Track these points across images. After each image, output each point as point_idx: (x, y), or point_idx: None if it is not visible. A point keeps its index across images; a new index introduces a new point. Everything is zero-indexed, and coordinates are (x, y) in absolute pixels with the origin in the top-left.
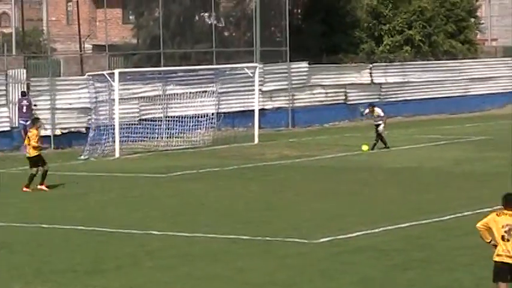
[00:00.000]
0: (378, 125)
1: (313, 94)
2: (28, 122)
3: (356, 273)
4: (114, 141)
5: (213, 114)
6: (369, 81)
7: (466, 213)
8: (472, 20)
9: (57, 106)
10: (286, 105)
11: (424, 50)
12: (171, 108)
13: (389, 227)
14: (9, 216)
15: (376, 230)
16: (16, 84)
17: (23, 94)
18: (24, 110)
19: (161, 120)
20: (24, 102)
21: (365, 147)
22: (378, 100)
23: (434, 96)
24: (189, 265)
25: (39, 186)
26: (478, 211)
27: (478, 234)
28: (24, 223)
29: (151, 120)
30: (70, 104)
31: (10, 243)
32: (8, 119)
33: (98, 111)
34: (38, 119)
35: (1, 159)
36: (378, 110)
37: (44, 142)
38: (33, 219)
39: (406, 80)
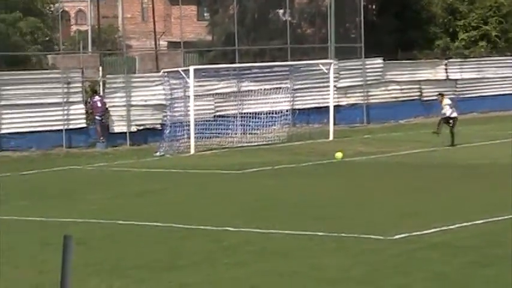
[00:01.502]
0: (445, 117)
1: (388, 90)
2: (103, 118)
3: (431, 270)
4: (190, 138)
5: (287, 110)
6: (444, 77)
7: None
8: None
9: (133, 103)
10: (361, 102)
11: (500, 46)
12: (246, 104)
13: (465, 224)
14: (86, 213)
15: (451, 227)
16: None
17: (95, 92)
18: (99, 105)
19: (236, 117)
20: (97, 98)
21: (339, 155)
22: (453, 96)
23: (511, 92)
24: (265, 261)
25: None
26: None
27: None
28: (101, 219)
29: (226, 117)
30: (145, 100)
31: (87, 239)
32: (83, 116)
33: (173, 108)
34: None
35: (77, 155)
36: (446, 101)
37: (119, 138)
38: (109, 216)
39: (481, 76)
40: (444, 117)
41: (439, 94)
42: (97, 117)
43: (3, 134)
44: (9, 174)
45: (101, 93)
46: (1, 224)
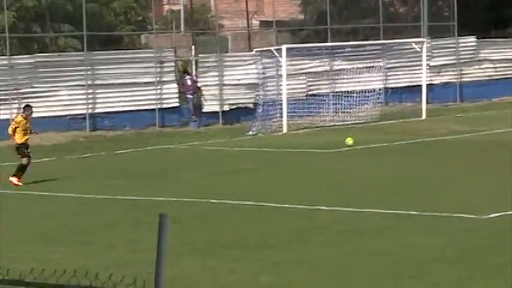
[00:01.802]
0: None
1: (482, 69)
2: (194, 96)
3: None
4: (282, 117)
5: (380, 89)
6: None
7: None
8: None
9: (225, 82)
10: (454, 80)
11: None
12: (338, 83)
13: None
14: (179, 192)
15: None
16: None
17: (186, 71)
18: (189, 83)
19: (328, 96)
20: (187, 76)
21: (350, 141)
22: None
23: None
24: (357, 240)
25: (10, 178)
26: None
27: None
28: (194, 198)
29: (318, 96)
30: (238, 80)
31: (180, 218)
32: (176, 95)
33: (265, 87)
34: (30, 106)
35: (170, 135)
36: None
37: (212, 118)
38: (202, 195)
39: None
40: None
41: None
42: (188, 96)
43: (98, 113)
44: (103, 153)
45: (193, 73)
46: (95, 203)
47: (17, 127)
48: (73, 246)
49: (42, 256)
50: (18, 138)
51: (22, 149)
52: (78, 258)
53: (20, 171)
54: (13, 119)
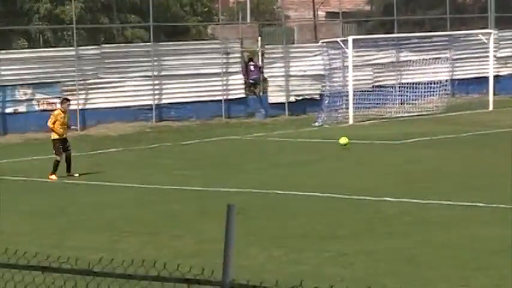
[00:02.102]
0: None
1: None
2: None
3: None
4: (348, 108)
5: (446, 80)
6: None
7: None
8: None
9: (291, 73)
10: None
11: None
12: (404, 74)
13: None
14: (246, 183)
15: None
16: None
17: (250, 60)
18: (252, 69)
19: (394, 87)
20: (251, 63)
21: (344, 140)
22: None
23: None
24: (424, 232)
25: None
26: None
27: None
28: (260, 189)
29: (384, 87)
30: (304, 71)
31: (246, 209)
32: (242, 86)
33: (331, 78)
34: (67, 99)
35: (236, 125)
36: None
37: (278, 109)
38: (268, 186)
39: None
40: None
41: None
42: (251, 81)
43: (164, 104)
44: (170, 144)
45: (258, 62)
46: (162, 193)
47: (56, 120)
48: (140, 236)
49: (110, 246)
50: (54, 134)
51: (56, 144)
52: (145, 248)
53: (54, 169)
54: (52, 112)
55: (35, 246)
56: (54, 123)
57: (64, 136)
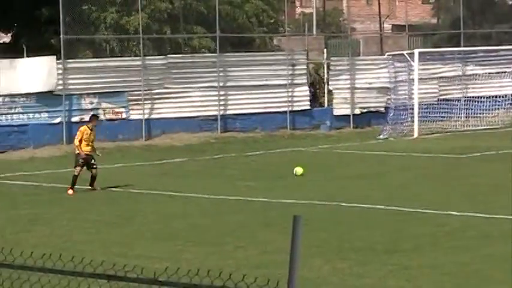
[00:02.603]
0: None
1: None
2: None
3: None
4: (413, 121)
5: None
6: None
7: None
8: None
9: (357, 85)
10: None
11: None
12: (470, 88)
13: None
14: (309, 194)
15: None
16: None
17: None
18: None
19: (460, 100)
20: None
21: (299, 170)
22: None
23: None
24: (489, 246)
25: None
26: None
27: None
28: (324, 201)
29: (450, 100)
30: (369, 83)
31: (310, 220)
32: (307, 98)
33: (397, 91)
34: (96, 116)
35: (301, 137)
36: None
37: (343, 121)
38: (333, 198)
39: None
40: None
41: None
42: None
43: (229, 114)
44: (234, 154)
45: (325, 76)
46: (226, 203)
47: (82, 138)
48: (204, 247)
49: (174, 255)
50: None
51: (78, 159)
52: (209, 259)
53: (73, 183)
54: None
55: (100, 254)
56: (80, 140)
57: (89, 153)
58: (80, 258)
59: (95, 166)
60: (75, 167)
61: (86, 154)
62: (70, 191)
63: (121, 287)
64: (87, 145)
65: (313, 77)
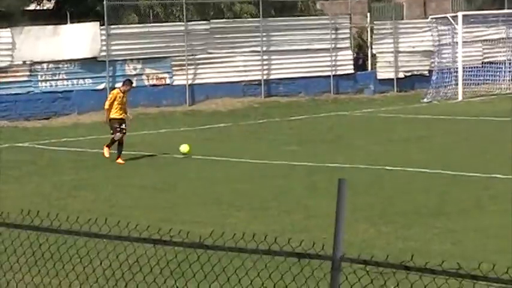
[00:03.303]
0: None
1: None
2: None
3: None
4: (457, 84)
5: None
6: None
7: None
8: None
9: (400, 49)
10: None
11: None
12: None
13: None
14: (354, 158)
15: None
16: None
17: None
18: None
19: (504, 63)
20: None
21: (185, 148)
22: None
23: None
24: None
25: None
26: None
27: None
28: (369, 165)
29: (494, 63)
30: (413, 47)
31: (355, 184)
32: (351, 62)
33: (440, 54)
34: (130, 81)
35: (344, 101)
36: None
37: (386, 85)
38: (377, 162)
39: None
40: None
41: None
42: None
43: (273, 79)
44: (278, 119)
45: (369, 40)
46: (271, 168)
47: (113, 101)
48: (248, 211)
49: (219, 220)
50: (112, 113)
51: (114, 124)
52: (254, 223)
53: (111, 143)
54: (111, 91)
55: (146, 219)
56: (111, 103)
57: (122, 117)
58: (125, 223)
59: (124, 131)
60: (112, 133)
61: (117, 118)
62: (119, 160)
63: (167, 252)
64: (120, 109)
65: (357, 41)
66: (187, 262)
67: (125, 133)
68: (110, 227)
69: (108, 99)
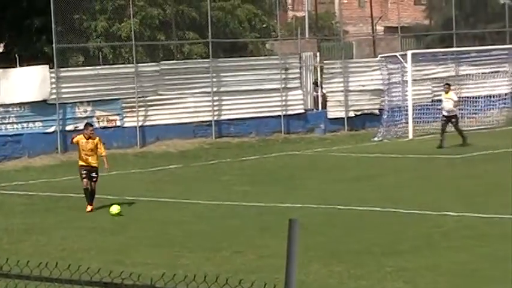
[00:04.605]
0: (449, 117)
1: None
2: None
3: None
4: (408, 123)
5: (506, 94)
6: None
7: None
8: None
9: (350, 88)
10: None
11: None
12: (464, 88)
13: None
14: (305, 198)
15: None
16: (310, 67)
17: (316, 84)
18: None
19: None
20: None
21: (115, 210)
22: None
23: None
24: (486, 246)
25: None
26: None
27: None
28: (320, 204)
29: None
30: (363, 86)
31: (307, 224)
32: (302, 102)
33: (390, 93)
34: (90, 125)
35: (295, 141)
36: (452, 95)
37: (337, 124)
38: (329, 201)
39: None
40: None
41: (446, 84)
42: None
43: (223, 120)
44: (229, 159)
45: (318, 79)
46: (223, 209)
47: (79, 148)
48: (201, 252)
49: (171, 262)
50: (79, 160)
51: (80, 171)
52: (206, 265)
53: (85, 196)
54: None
55: (97, 262)
56: (78, 150)
57: (90, 164)
58: (76, 266)
59: (94, 179)
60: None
61: (83, 165)
62: (88, 207)
63: None
64: (86, 155)
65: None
66: None
67: (95, 181)
68: (60, 270)
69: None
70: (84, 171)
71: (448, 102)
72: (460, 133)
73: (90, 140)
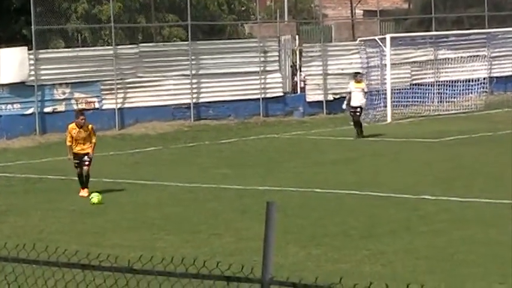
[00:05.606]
0: (356, 109)
1: None
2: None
3: None
4: (386, 106)
5: (484, 78)
6: None
7: None
8: None
9: (329, 72)
10: None
11: None
12: (442, 72)
13: None
14: (284, 181)
15: None
16: (288, 51)
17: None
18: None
19: (432, 85)
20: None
21: (95, 199)
22: None
23: None
24: (463, 230)
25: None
26: None
27: None
28: (298, 187)
29: (422, 85)
30: (342, 69)
31: (285, 207)
32: (280, 85)
33: (369, 77)
34: (81, 113)
35: (274, 124)
36: (363, 85)
37: (316, 107)
38: (307, 184)
39: None
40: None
41: (356, 73)
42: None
43: (202, 102)
44: (208, 142)
45: (297, 62)
46: (201, 192)
47: (71, 137)
48: (179, 235)
49: (149, 244)
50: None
51: (73, 160)
52: (184, 247)
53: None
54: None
55: (75, 244)
56: (71, 140)
57: (81, 152)
58: (54, 248)
59: (86, 163)
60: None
61: (75, 153)
62: (81, 192)
63: (96, 276)
64: (78, 144)
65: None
66: (117, 287)
67: (88, 165)
68: (38, 252)
69: (67, 136)
70: (76, 161)
71: (359, 93)
72: (360, 126)
73: (82, 129)
